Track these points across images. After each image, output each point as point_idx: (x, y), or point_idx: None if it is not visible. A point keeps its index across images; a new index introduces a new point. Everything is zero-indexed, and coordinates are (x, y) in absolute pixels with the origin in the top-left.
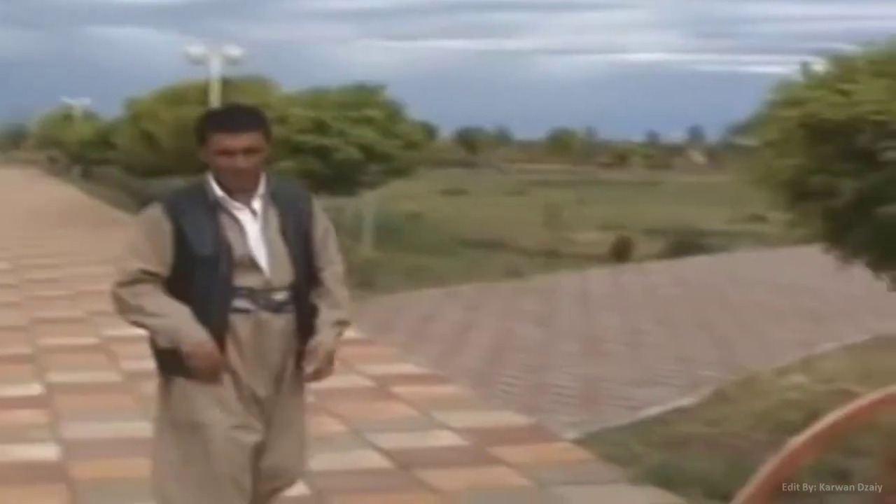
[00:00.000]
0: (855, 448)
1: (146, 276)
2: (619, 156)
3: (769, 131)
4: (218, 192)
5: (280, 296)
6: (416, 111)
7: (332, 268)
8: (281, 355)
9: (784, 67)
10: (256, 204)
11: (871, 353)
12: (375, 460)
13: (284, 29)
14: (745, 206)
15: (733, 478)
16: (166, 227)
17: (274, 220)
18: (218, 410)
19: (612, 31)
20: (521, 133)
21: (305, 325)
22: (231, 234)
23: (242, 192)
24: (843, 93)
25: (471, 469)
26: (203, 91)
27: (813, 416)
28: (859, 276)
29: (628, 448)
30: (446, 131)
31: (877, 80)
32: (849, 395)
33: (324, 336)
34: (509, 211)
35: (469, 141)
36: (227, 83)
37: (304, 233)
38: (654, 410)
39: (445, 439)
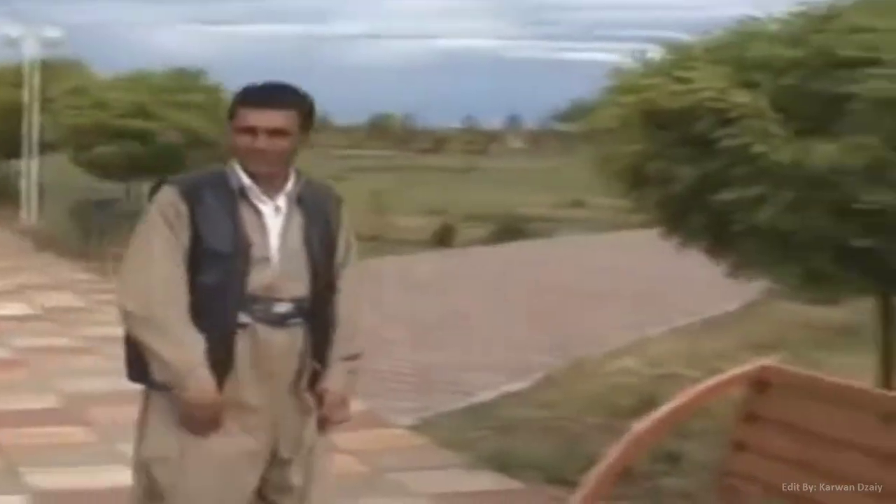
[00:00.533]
0: (684, 431)
1: (180, 270)
2: (439, 141)
3: (606, 118)
4: (245, 179)
5: (282, 308)
6: None
7: (351, 289)
8: (285, 380)
9: (603, 54)
10: (281, 201)
11: (700, 337)
12: None
13: (100, 11)
14: (566, 192)
15: (569, 461)
16: (183, 210)
17: (297, 223)
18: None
19: (432, 16)
20: (342, 118)
21: (320, 345)
22: (251, 231)
23: (269, 183)
24: (682, 80)
25: None
26: (17, 74)
27: (644, 399)
28: (685, 261)
29: (463, 433)
30: None
31: (714, 67)
32: (678, 379)
33: (332, 378)
34: None
35: None
36: (43, 66)
37: (328, 243)
38: (486, 395)
39: None
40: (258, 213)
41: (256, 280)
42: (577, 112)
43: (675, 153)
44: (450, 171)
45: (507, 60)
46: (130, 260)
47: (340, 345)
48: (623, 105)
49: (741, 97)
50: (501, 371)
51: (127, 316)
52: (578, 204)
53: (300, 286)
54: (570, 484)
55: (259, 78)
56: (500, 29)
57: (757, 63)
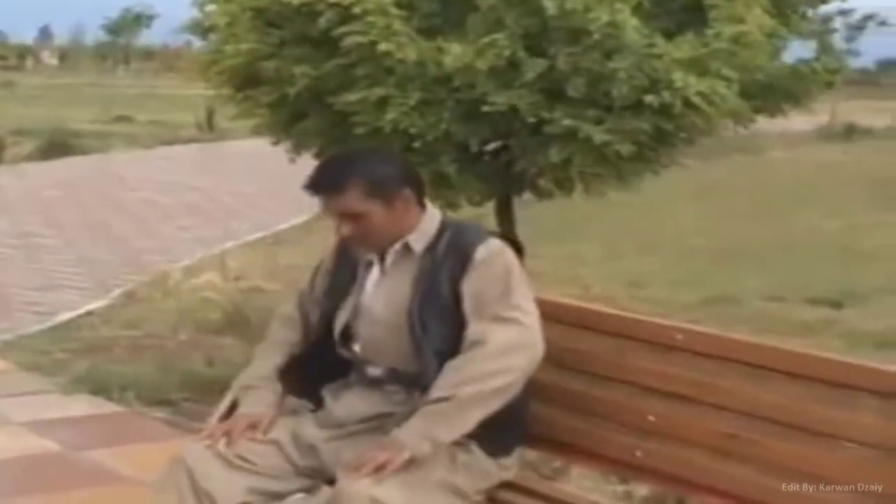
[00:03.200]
0: None
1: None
2: None
3: (214, 17)
4: None
5: (375, 371)
6: None
7: (482, 341)
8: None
9: None
10: (389, 258)
11: (272, 250)
12: None
13: None
14: (107, 107)
15: (166, 380)
16: (332, 252)
17: (402, 287)
18: None
19: None
20: None
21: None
22: (352, 287)
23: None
24: None
25: None
26: None
27: (231, 313)
28: (240, 175)
29: (50, 356)
30: None
31: None
32: (261, 292)
33: (401, 430)
34: None
35: None
36: None
37: (448, 304)
38: (65, 316)
39: None
40: (366, 271)
41: (342, 342)
42: (126, 24)
43: (292, 52)
44: None
45: None
46: None
47: (433, 389)
48: (232, 2)
49: None
50: (77, 289)
51: None
52: (123, 119)
53: (391, 357)
54: (170, 403)
55: None
56: None
57: None
